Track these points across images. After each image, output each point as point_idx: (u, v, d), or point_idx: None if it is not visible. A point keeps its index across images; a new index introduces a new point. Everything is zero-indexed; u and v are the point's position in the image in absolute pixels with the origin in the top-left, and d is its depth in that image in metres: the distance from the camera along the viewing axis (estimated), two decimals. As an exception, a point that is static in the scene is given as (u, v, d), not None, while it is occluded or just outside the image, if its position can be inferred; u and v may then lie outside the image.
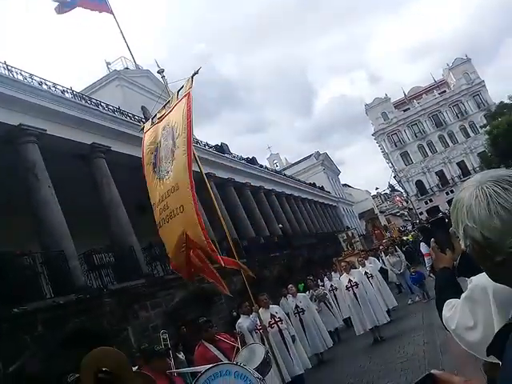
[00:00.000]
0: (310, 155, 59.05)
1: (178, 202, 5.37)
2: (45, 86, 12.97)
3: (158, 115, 6.50)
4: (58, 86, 13.76)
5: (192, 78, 6.00)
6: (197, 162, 6.75)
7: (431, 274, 11.51)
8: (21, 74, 12.25)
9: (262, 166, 32.40)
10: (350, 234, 22.41)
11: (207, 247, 5.17)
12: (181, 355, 9.01)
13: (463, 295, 1.60)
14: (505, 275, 1.08)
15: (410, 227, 44.78)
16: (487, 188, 1.06)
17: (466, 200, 1.11)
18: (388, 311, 11.37)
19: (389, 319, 10.65)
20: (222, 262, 5.44)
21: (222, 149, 25.58)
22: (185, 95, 5.90)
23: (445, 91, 65.20)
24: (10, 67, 11.94)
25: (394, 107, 66.67)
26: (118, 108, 17.05)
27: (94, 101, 15.68)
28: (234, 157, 26.85)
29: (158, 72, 7.14)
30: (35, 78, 12.76)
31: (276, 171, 39.63)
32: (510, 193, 1.03)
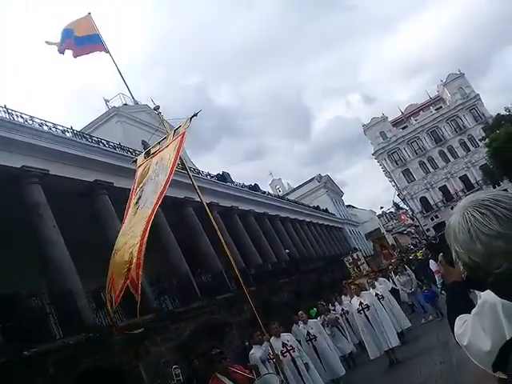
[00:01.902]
0: (312, 178, 59.21)
1: (134, 237, 5.37)
2: (45, 127, 13.16)
3: (152, 150, 6.56)
4: (59, 127, 13.97)
5: (190, 119, 6.10)
6: (197, 192, 6.80)
7: (443, 292, 11.38)
8: (21, 117, 12.44)
9: (264, 193, 32.47)
10: (356, 256, 22.21)
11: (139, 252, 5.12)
12: (194, 390, 8.87)
13: (473, 311, 1.58)
14: (503, 292, 1.10)
15: (411, 246, 44.49)
16: (467, 214, 1.10)
17: (452, 226, 1.16)
18: (402, 332, 11.18)
19: (399, 343, 10.41)
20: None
21: (223, 177, 25.71)
22: (180, 135, 6.00)
23: (441, 107, 65.71)
24: (10, 110, 12.14)
25: (392, 126, 67.09)
26: (119, 144, 17.25)
27: (94, 138, 15.88)
28: (237, 185, 26.95)
29: (154, 109, 7.26)
30: (35, 119, 12.97)
31: (279, 196, 39.69)
32: (487, 217, 1.06)
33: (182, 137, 5.91)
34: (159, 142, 6.67)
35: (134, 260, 4.99)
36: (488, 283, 1.12)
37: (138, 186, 6.11)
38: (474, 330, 1.56)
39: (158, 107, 7.18)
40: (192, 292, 15.75)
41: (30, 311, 10.06)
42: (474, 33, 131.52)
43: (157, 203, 5.35)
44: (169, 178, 5.45)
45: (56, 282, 11.24)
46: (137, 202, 5.81)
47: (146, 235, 5.08)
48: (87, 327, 10.81)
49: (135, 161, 7.01)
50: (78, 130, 16.64)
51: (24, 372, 8.54)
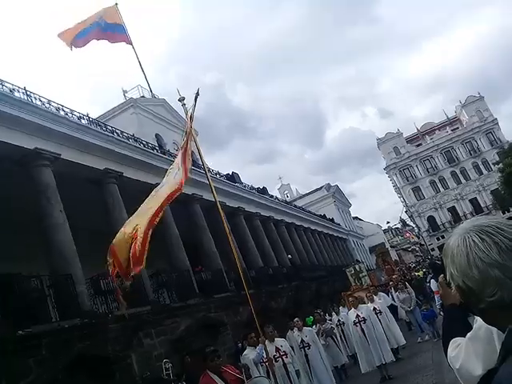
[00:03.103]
0: (321, 187, 59.08)
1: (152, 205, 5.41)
2: (62, 112, 13.26)
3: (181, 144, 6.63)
4: (75, 112, 14.07)
5: (195, 99, 6.17)
6: (212, 192, 6.79)
7: (441, 312, 11.30)
8: (39, 100, 12.56)
9: (272, 196, 32.44)
10: (358, 268, 22.12)
11: (144, 243, 5.11)
12: (183, 385, 8.85)
13: (468, 335, 1.58)
14: (490, 320, 1.11)
15: (414, 265, 44.24)
16: (468, 238, 1.09)
17: (451, 248, 1.14)
18: (397, 349, 11.11)
19: (394, 359, 10.37)
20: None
21: (233, 178, 25.72)
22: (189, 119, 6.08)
23: (457, 128, 65.39)
24: (29, 93, 12.26)
25: (406, 142, 66.86)
26: (133, 135, 17.33)
27: (109, 127, 15.97)
28: (245, 186, 26.95)
29: (179, 100, 7.21)
30: (53, 103, 13.07)
31: (286, 202, 39.62)
32: (487, 244, 1.05)
33: (191, 120, 6.01)
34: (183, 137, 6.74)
35: (140, 235, 5.02)
36: (478, 309, 1.11)
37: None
38: (466, 354, 1.55)
39: (183, 98, 7.13)
40: (190, 288, 15.76)
41: (29, 292, 10.12)
42: (498, 57, 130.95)
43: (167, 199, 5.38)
44: (184, 162, 5.52)
45: (57, 266, 11.31)
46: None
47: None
48: (83, 313, 10.86)
49: (153, 148, 7.05)
50: (94, 117, 16.76)
51: (16, 351, 8.59)
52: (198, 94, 6.21)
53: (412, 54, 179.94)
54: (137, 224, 5.20)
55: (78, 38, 18.68)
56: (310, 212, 42.24)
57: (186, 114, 6.99)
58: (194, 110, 6.15)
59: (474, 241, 1.07)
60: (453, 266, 1.12)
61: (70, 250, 11.60)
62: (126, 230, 5.28)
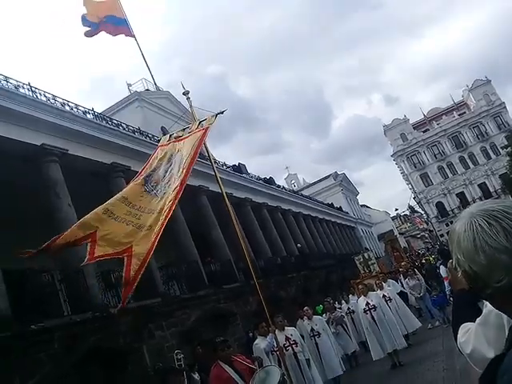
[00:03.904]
0: (328, 176, 58.93)
1: (149, 221, 5.37)
2: (67, 107, 13.29)
3: (175, 135, 6.58)
4: (80, 107, 14.10)
5: (216, 115, 6.17)
6: (219, 183, 6.80)
7: (451, 298, 11.28)
8: (44, 96, 12.59)
9: (279, 186, 32.42)
10: (367, 256, 22.09)
11: (138, 272, 5.13)
12: (196, 375, 8.93)
13: (478, 320, 1.57)
14: (498, 305, 1.09)
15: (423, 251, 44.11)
16: (475, 222, 1.07)
17: (457, 232, 1.12)
18: (407, 335, 11.13)
19: (406, 344, 10.41)
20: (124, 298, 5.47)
21: (239, 169, 25.72)
22: (203, 129, 6.02)
23: (464, 112, 64.76)
24: (34, 88, 12.29)
25: (413, 128, 66.37)
26: (138, 128, 17.35)
27: (114, 121, 16.00)
28: (252, 177, 26.95)
29: (184, 94, 7.19)
30: (58, 99, 13.10)
31: (293, 191, 39.59)
32: (494, 228, 1.03)
33: (205, 132, 5.95)
34: (184, 129, 6.70)
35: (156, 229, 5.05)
36: (485, 294, 1.10)
37: (150, 165, 6.12)
38: (477, 339, 1.55)
39: (187, 92, 7.13)
40: (200, 279, 15.85)
41: (41, 287, 10.22)
42: (503, 39, 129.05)
43: (176, 197, 5.38)
44: (185, 177, 5.48)
45: (68, 260, 11.40)
46: (145, 183, 5.84)
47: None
48: (95, 306, 10.96)
49: (159, 140, 7.06)
50: (99, 112, 16.78)
51: (29, 346, 8.69)
52: (221, 113, 6.27)
53: (415, 40, 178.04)
54: (150, 225, 5.21)
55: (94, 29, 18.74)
56: (317, 201, 42.20)
57: (191, 108, 6.99)
58: (211, 123, 6.14)
59: (480, 225, 1.05)
60: (459, 251, 1.10)
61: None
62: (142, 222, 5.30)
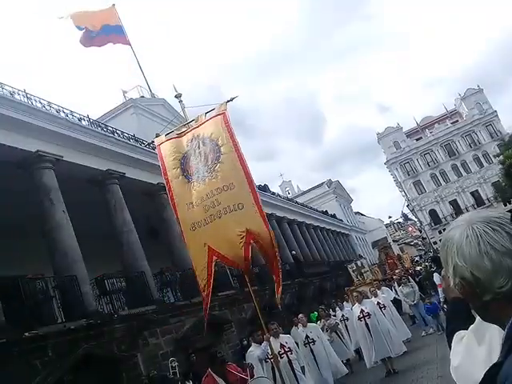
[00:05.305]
0: (322, 183, 59.10)
1: (234, 199, 5.50)
2: (62, 114, 13.28)
3: (177, 132, 6.67)
4: (75, 114, 14.08)
5: (226, 102, 6.34)
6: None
7: (445, 306, 11.32)
8: (39, 102, 12.57)
9: (273, 194, 32.44)
10: (360, 264, 22.16)
11: (271, 241, 5.29)
12: (190, 383, 8.92)
13: (470, 328, 1.57)
14: (492, 314, 1.09)
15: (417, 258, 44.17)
16: (477, 228, 1.08)
17: (457, 239, 1.12)
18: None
19: (406, 349, 10.44)
20: (275, 272, 5.56)
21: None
22: (219, 114, 6.14)
23: (457, 121, 65.21)
24: (29, 95, 12.27)
25: (406, 136, 66.73)
26: (133, 135, 17.35)
27: (109, 128, 15.99)
28: (246, 184, 26.91)
29: (176, 96, 7.24)
30: (53, 105, 13.09)
31: (288, 198, 39.63)
32: (499, 234, 1.05)
33: (224, 115, 6.09)
34: (185, 125, 6.77)
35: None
36: (480, 303, 1.09)
37: (173, 159, 6.19)
38: (468, 350, 1.54)
39: (180, 95, 7.17)
40: (195, 286, 15.73)
41: (35, 294, 10.16)
42: (496, 49, 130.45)
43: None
44: (238, 152, 5.74)
45: (62, 267, 11.35)
46: (184, 175, 5.95)
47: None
48: (89, 313, 10.90)
49: (151, 142, 7.13)
50: (95, 118, 16.76)
51: (23, 353, 8.63)
52: (231, 99, 6.42)
53: (409, 49, 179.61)
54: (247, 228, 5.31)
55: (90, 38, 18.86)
56: (311, 208, 42.26)
57: (183, 110, 7.07)
58: (224, 109, 6.26)
59: (485, 231, 1.06)
60: (459, 257, 1.09)
61: (73, 251, 11.63)
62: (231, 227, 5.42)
